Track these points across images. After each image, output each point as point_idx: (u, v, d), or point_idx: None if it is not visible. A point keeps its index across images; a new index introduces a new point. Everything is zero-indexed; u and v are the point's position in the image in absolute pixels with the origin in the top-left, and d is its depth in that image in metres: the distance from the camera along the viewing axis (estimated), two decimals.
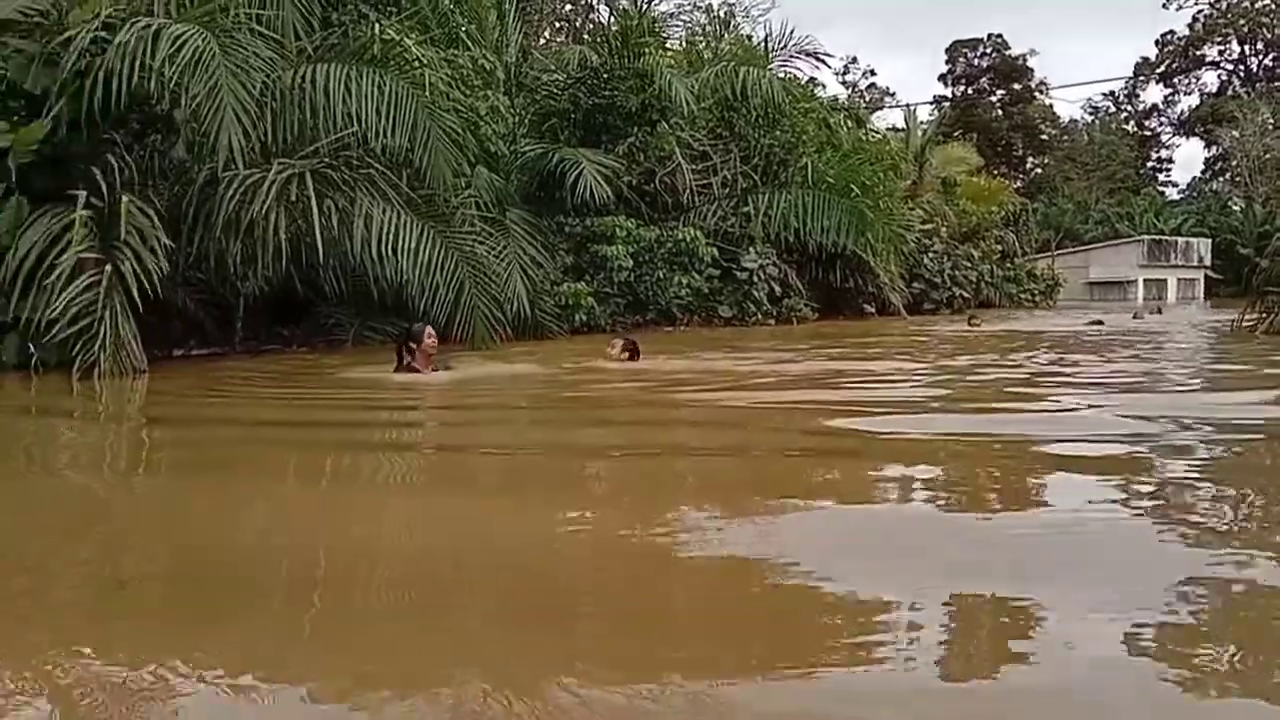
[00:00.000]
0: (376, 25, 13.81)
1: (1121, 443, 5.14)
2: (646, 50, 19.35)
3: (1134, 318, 24.95)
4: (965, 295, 32.17)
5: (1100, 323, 21.13)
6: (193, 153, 11.48)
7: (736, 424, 6.62)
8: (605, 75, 18.80)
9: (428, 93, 12.95)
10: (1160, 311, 29.61)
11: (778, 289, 21.95)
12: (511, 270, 14.97)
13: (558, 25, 31.67)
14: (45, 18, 10.32)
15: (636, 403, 7.98)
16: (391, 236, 12.34)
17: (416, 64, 13.29)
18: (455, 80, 14.80)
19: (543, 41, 25.96)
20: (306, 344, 13.35)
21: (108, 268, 9.30)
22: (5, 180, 9.58)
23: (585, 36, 28.61)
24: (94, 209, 9.59)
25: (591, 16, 31.53)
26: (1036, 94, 73.91)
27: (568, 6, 31.44)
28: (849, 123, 28.55)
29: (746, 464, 5.00)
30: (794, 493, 4.04)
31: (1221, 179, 65.18)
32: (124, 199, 9.75)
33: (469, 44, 17.42)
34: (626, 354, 10.76)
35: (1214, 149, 66.18)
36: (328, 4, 13.95)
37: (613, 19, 25.32)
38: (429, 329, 9.20)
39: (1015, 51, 74.02)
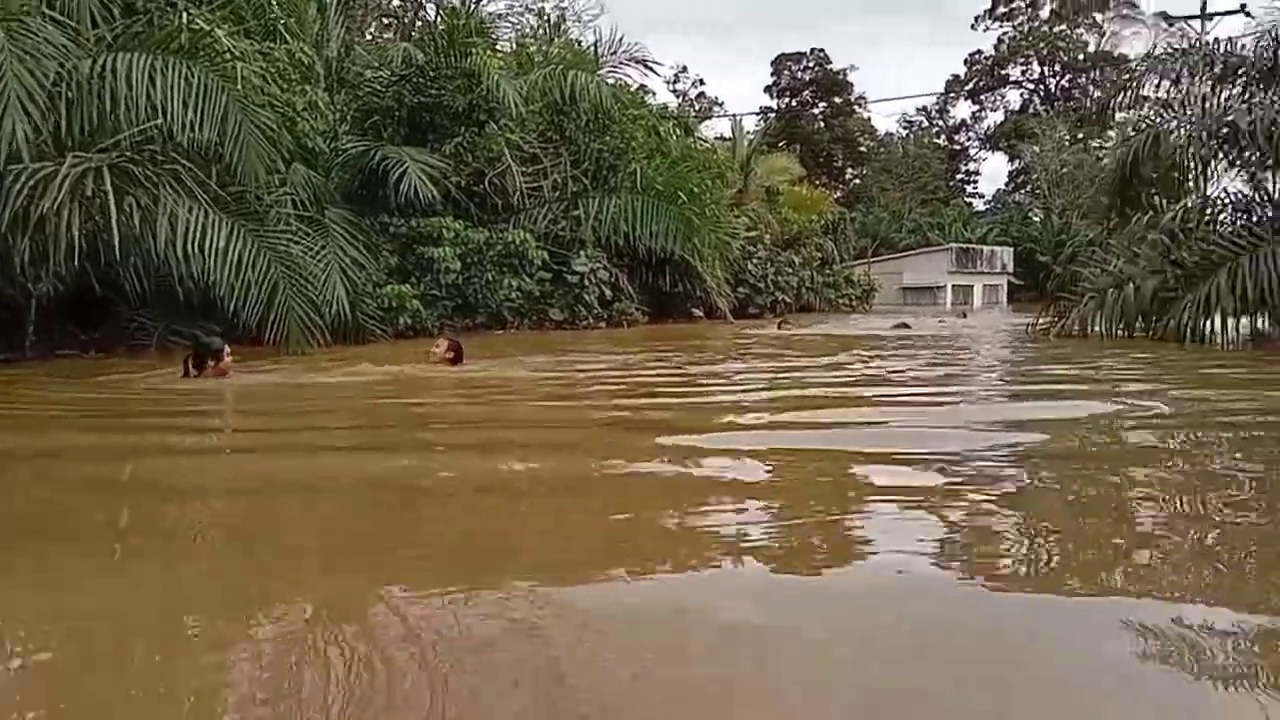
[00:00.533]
0: (184, 14, 13.16)
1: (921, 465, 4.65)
2: (474, 50, 19.14)
3: (939, 321, 26.08)
4: (787, 300, 33.30)
5: (907, 325, 22.17)
6: None
7: (569, 448, 5.63)
8: (431, 74, 18.47)
9: (240, 86, 12.43)
10: (965, 315, 31.22)
11: (608, 292, 22.10)
12: (330, 271, 14.51)
13: (385, 21, 30.93)
14: None
15: (461, 422, 7.14)
16: (199, 235, 11.80)
17: (228, 56, 12.73)
18: (271, 74, 14.26)
19: (369, 38, 25.31)
20: (106, 349, 12.53)
21: None
22: None
23: (414, 34, 28.09)
24: None
25: (422, 14, 30.95)
26: (856, 108, 77.23)
27: (395, 2, 30.74)
28: (678, 131, 29.04)
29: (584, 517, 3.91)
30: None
31: (1023, 191, 69.70)
32: None
33: (287, 37, 16.83)
34: (450, 355, 10.55)
35: (1016, 163, 70.78)
36: None
37: (439, 17, 24.95)
38: (228, 349, 8.79)
39: (836, 66, 77.22)
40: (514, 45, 25.85)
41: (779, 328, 20.49)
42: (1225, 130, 15.02)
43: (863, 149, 77.31)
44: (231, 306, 12.40)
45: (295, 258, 13.10)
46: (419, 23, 30.36)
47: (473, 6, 21.14)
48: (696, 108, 59.14)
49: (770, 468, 4.79)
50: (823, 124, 76.86)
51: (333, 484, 4.59)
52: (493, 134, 19.43)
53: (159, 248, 11.56)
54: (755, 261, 31.26)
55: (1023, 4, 73.60)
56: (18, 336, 11.72)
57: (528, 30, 28.58)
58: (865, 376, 10.16)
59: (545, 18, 31.68)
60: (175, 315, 13.02)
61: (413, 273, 17.58)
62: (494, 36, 23.13)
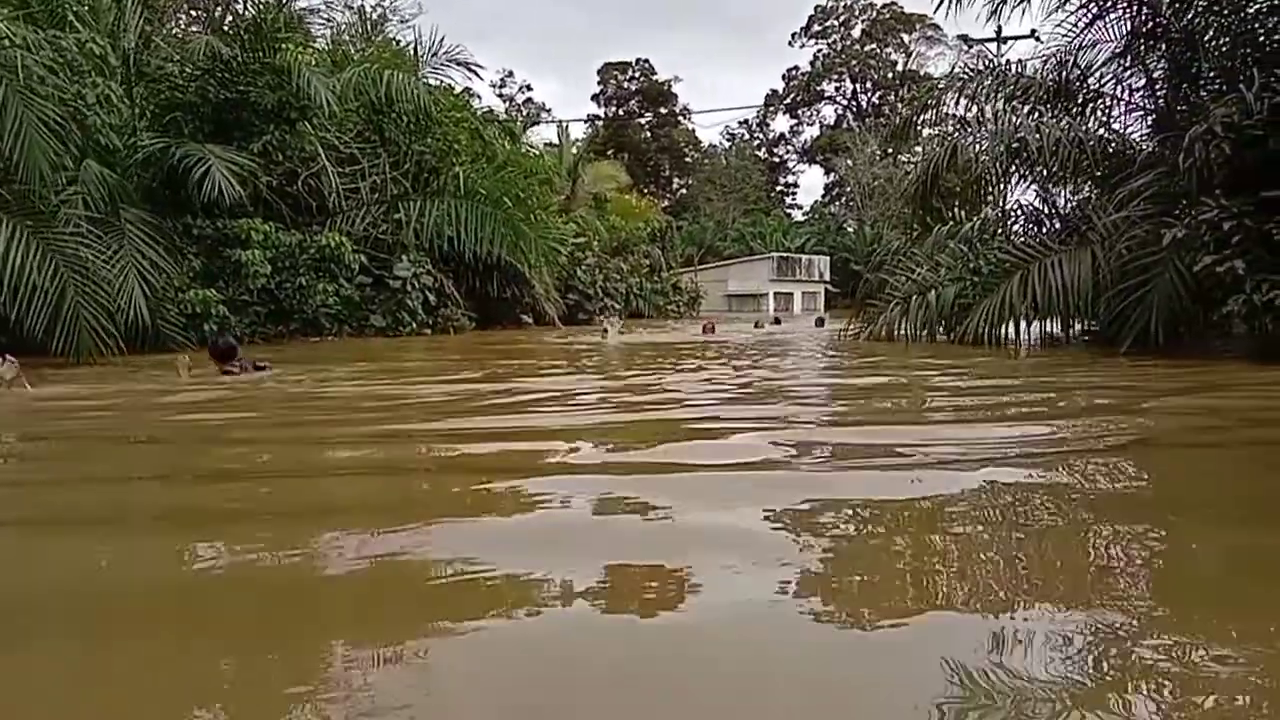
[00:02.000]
0: None
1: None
2: (285, 45, 18.36)
3: (755, 326, 26.55)
4: (616, 306, 33.54)
5: (711, 329, 22.58)
6: None
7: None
8: (238, 68, 17.61)
9: (20, 76, 11.49)
10: (779, 322, 31.70)
11: (433, 298, 21.62)
12: (127, 275, 13.58)
13: (193, 14, 29.35)
14: None
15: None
16: None
17: (6, 43, 11.75)
18: (59, 64, 13.25)
19: (176, 31, 23.91)
20: None
21: None
22: None
23: (224, 29, 26.75)
24: None
25: (233, 7, 29.53)
26: (680, 119, 78.87)
27: None
28: (503, 135, 28.80)
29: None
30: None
31: (838, 203, 72.79)
32: None
33: (78, 26, 15.68)
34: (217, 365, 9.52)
35: (832, 176, 73.90)
36: None
37: (248, 10, 23.86)
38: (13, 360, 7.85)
39: (662, 77, 78.60)
40: (330, 43, 25.01)
41: (602, 336, 20.45)
42: (1017, 146, 16.00)
43: (688, 159, 78.94)
44: (14, 314, 11.42)
45: (86, 261, 12.20)
46: (229, 17, 29.01)
47: (285, 1, 20.23)
48: (524, 113, 58.89)
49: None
50: (649, 134, 78.07)
51: None
52: (305, 133, 18.69)
53: None
54: (584, 268, 31.38)
55: (836, 23, 76.96)
56: None
57: (344, 27, 27.74)
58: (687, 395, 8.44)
59: (364, 16, 30.86)
60: None
61: (220, 277, 16.67)
62: (306, 32, 22.29)
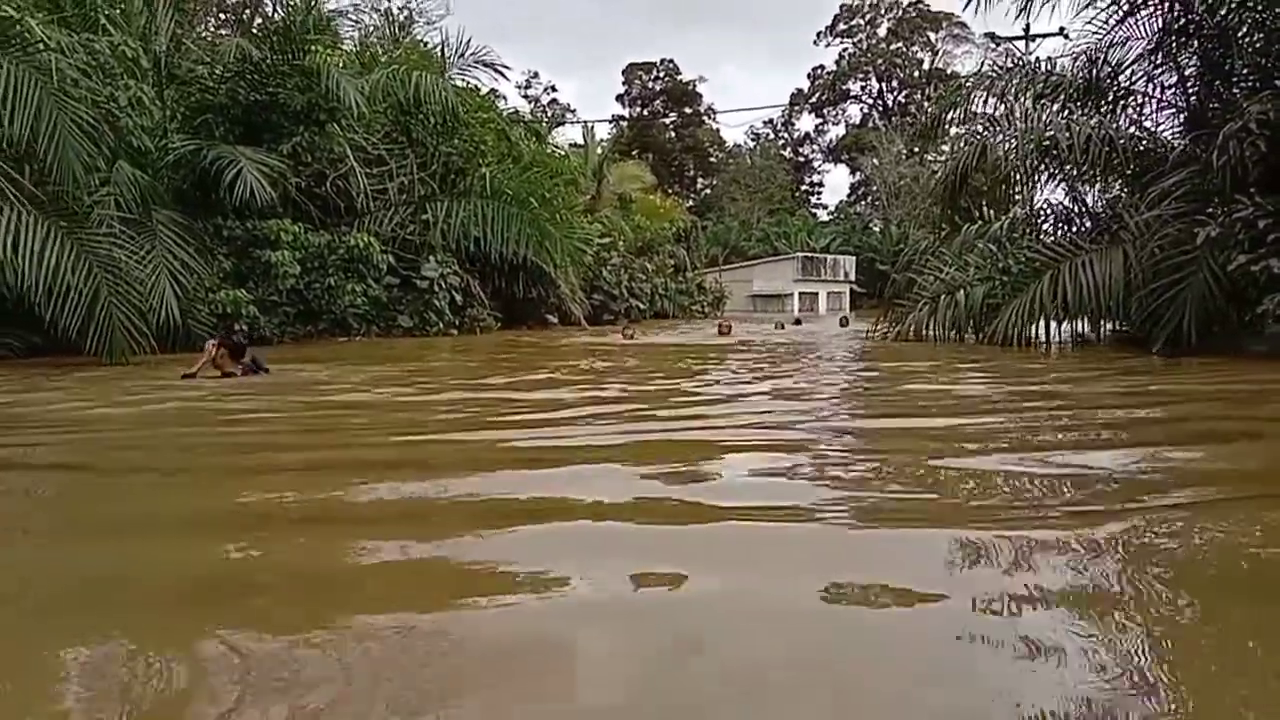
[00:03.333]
0: None
1: None
2: (314, 47, 18.51)
3: (776, 327, 26.02)
4: (641, 306, 33.56)
5: (728, 330, 22.44)
6: None
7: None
8: (268, 70, 17.75)
9: (55, 79, 11.63)
10: (800, 322, 31.20)
11: (460, 299, 21.71)
12: (159, 276, 13.72)
13: (222, 17, 29.67)
14: None
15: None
16: (10, 237, 10.95)
17: (41, 46, 11.90)
18: (92, 67, 13.41)
19: (206, 34, 24.14)
20: None
21: None
22: None
23: (253, 31, 27.00)
24: None
25: (261, 9, 29.82)
26: (705, 118, 78.72)
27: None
28: (529, 136, 28.87)
29: None
30: None
31: (864, 203, 72.39)
32: None
33: (110, 29, 15.88)
34: (222, 354, 9.48)
35: (857, 175, 73.54)
36: None
37: (276, 11, 24.09)
38: None
39: (686, 77, 78.51)
40: (358, 45, 25.17)
41: (623, 335, 20.41)
42: (1047, 144, 15.88)
43: (712, 159, 78.81)
44: (49, 313, 11.57)
45: (119, 262, 12.32)
46: (258, 19, 29.29)
47: (313, 2, 20.39)
48: (549, 114, 58.99)
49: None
50: (674, 134, 78.00)
51: None
52: (334, 134, 18.81)
53: None
54: (610, 268, 31.40)
55: (861, 21, 76.59)
56: None
57: (372, 30, 27.91)
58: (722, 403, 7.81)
59: (391, 18, 31.04)
60: None
61: (250, 277, 16.82)
62: (335, 34, 22.44)
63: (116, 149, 13.90)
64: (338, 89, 17.74)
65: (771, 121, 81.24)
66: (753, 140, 79.84)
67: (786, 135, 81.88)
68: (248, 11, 30.26)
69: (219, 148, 16.41)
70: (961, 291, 16.63)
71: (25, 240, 11.13)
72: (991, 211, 18.87)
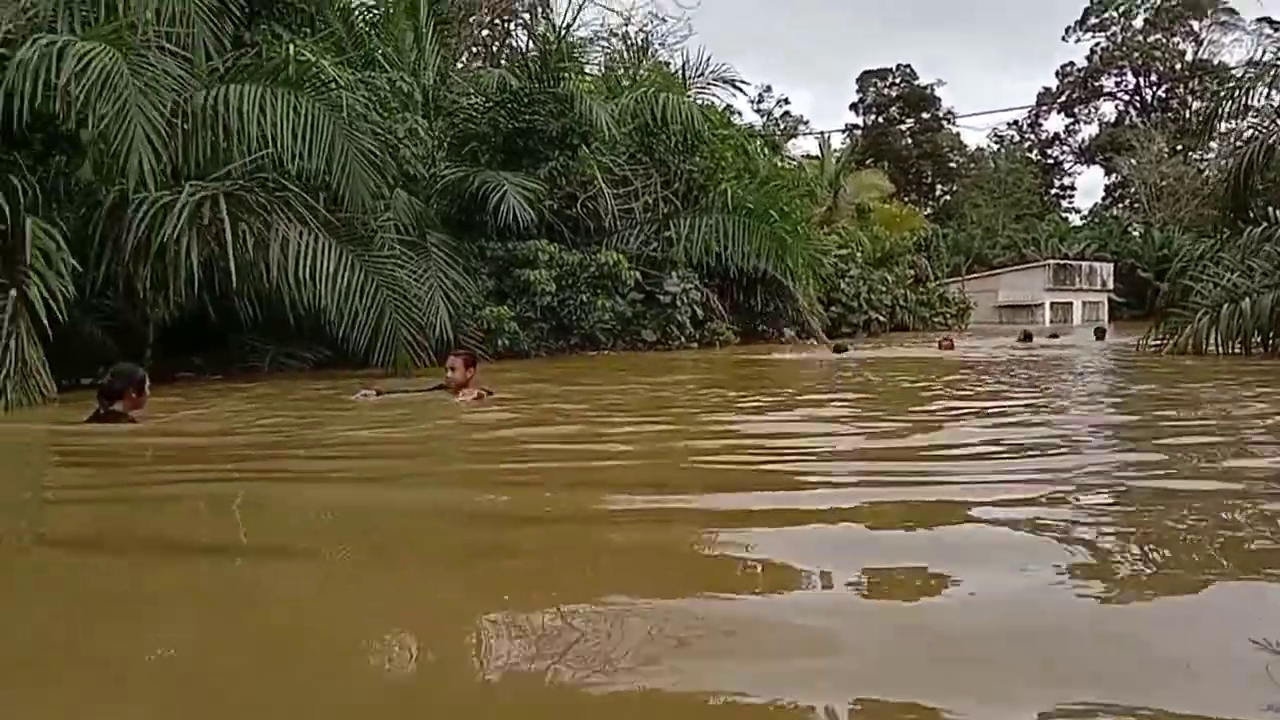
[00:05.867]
0: (290, 46, 13.60)
1: None
2: (566, 75, 19.37)
3: (1021, 340, 22.75)
4: (881, 319, 32.83)
5: (950, 345, 20.28)
6: (100, 174, 11.09)
7: None
8: (525, 99, 18.74)
9: (345, 115, 12.76)
10: (1056, 335, 27.66)
11: (700, 313, 22.05)
12: (433, 294, 14.75)
13: (475, 50, 31.58)
14: None
15: None
16: (309, 261, 12.08)
17: (333, 85, 13.09)
18: (373, 102, 14.61)
19: (460, 65, 25.81)
20: (221, 371, 12.92)
21: (12, 292, 8.93)
22: None
23: (503, 61, 28.60)
24: None
25: (508, 41, 31.57)
26: (944, 123, 76.21)
27: (485, 32, 31.33)
28: (765, 149, 28.96)
29: None
30: None
31: (1121, 205, 67.74)
32: (28, 221, 9.36)
33: (386, 66, 17.28)
34: (466, 373, 8.38)
35: (1113, 176, 68.89)
36: (240, 23, 13.64)
37: (531, 44, 25.38)
38: (146, 379, 7.12)
39: (923, 81, 76.34)
40: (602, 69, 26.13)
41: (835, 350, 19.49)
42: None
43: (952, 164, 76.16)
44: (341, 330, 12.69)
45: (400, 281, 13.36)
46: (506, 50, 31.03)
47: (564, 32, 21.40)
48: (781, 126, 58.89)
49: None
50: (910, 140, 75.99)
51: None
52: (585, 157, 19.60)
53: (271, 274, 11.87)
54: (848, 280, 30.96)
55: (1115, 14, 71.80)
56: (138, 360, 12.13)
57: (615, 55, 28.89)
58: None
59: (631, 42, 32.04)
60: (286, 339, 13.41)
61: (509, 295, 17.78)
62: (584, 61, 23.40)
63: (395, 177, 15.05)
64: (590, 113, 18.51)
65: (1016, 123, 77.64)
66: (996, 143, 76.59)
67: (1033, 136, 77.96)
68: (496, 44, 32.13)
69: (484, 173, 17.49)
70: (1247, 300, 15.23)
71: (321, 263, 12.24)
72: (1277, 212, 17.21)
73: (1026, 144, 77.21)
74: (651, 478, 5.02)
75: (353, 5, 18.45)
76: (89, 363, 11.40)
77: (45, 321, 9.03)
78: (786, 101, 74.22)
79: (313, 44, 14.37)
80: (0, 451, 6.97)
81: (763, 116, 65.06)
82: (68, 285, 9.46)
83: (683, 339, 21.32)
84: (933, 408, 8.52)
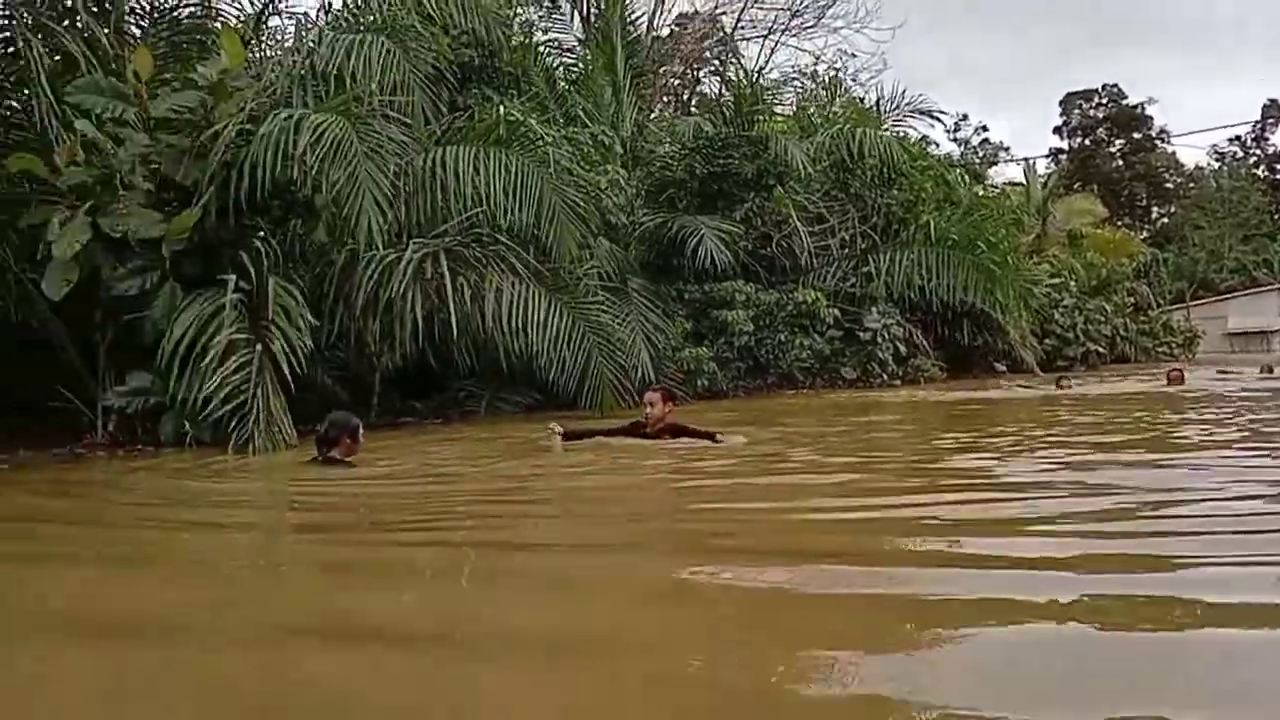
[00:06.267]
0: (500, 107, 14.33)
1: None
2: (760, 118, 19.47)
3: (1265, 372, 19.71)
4: (1100, 350, 30.96)
5: (1180, 379, 17.09)
6: (332, 235, 11.93)
7: None
8: (720, 144, 18.95)
9: (551, 169, 13.27)
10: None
11: (903, 349, 21.47)
12: (635, 337, 15.05)
13: (666, 99, 32.31)
14: (194, 114, 10.90)
15: None
16: (521, 309, 12.58)
17: (540, 142, 13.66)
18: (576, 156, 15.14)
19: (654, 115, 26.46)
20: (440, 416, 13.57)
21: (258, 347, 9.66)
22: (160, 268, 10.06)
23: (693, 109, 29.11)
24: (242, 292, 10.00)
25: (698, 89, 32.14)
26: (1158, 142, 71.71)
27: (675, 80, 32.03)
28: (967, 178, 28.06)
29: None
30: None
31: None
32: (270, 281, 10.16)
33: (587, 121, 17.92)
34: (665, 408, 8.37)
35: None
36: (454, 89, 14.48)
37: (724, 90, 25.71)
38: (361, 427, 7.59)
39: (1132, 100, 72.18)
40: (794, 108, 26.12)
41: (1058, 386, 17.73)
42: None
43: (1168, 185, 71.47)
44: (551, 375, 13.10)
45: (605, 326, 13.69)
46: (696, 97, 31.58)
47: (757, 77, 21.57)
48: (980, 154, 57.01)
49: None
50: (1121, 162, 71.87)
51: None
52: (780, 197, 19.58)
53: (485, 323, 12.43)
54: (1061, 310, 29.40)
55: None
56: (365, 408, 12.91)
57: (807, 94, 28.85)
58: None
59: (821, 80, 31.94)
60: (500, 384, 13.96)
61: (706, 335, 17.89)
62: (775, 103, 23.47)
63: (598, 226, 15.49)
64: (785, 153, 18.52)
65: (1239, 138, 71.98)
66: (1217, 160, 71.31)
67: (1259, 151, 72.04)
68: (686, 92, 32.75)
69: (681, 218, 17.79)
70: None
71: (532, 312, 12.71)
72: None
73: (1252, 160, 71.50)
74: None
75: (555, 65, 19.26)
76: (323, 411, 12.20)
77: (286, 373, 9.72)
78: (984, 129, 71.89)
79: (520, 104, 15.11)
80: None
81: (960, 145, 63.36)
82: (306, 339, 10.16)
83: (885, 376, 20.79)
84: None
